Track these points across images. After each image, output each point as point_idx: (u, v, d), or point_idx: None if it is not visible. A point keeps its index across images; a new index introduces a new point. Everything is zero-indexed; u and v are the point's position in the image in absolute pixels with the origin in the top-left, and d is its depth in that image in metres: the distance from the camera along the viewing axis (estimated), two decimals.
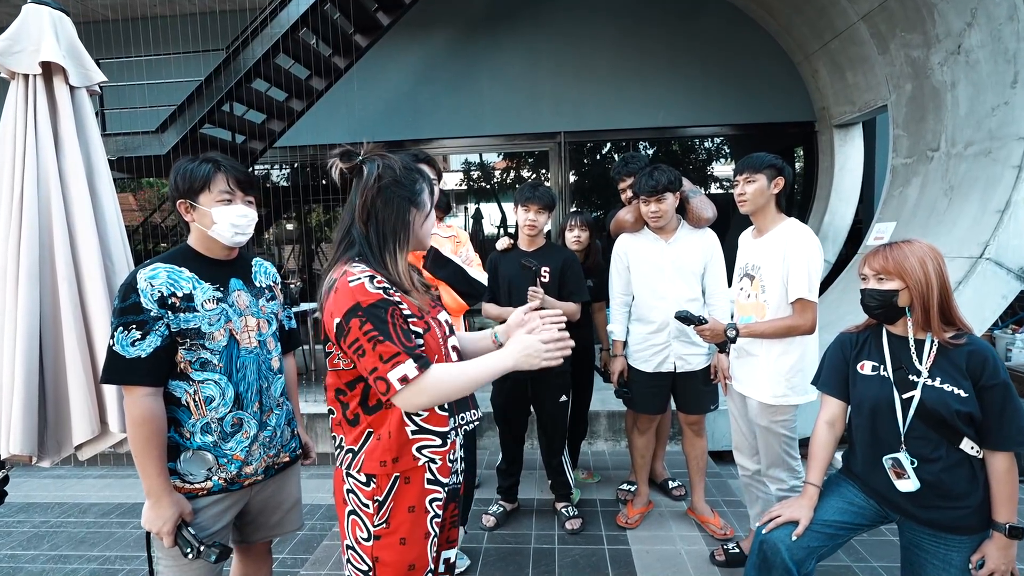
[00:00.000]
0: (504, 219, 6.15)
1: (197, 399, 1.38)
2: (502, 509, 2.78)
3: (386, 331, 1.11)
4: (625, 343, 2.63)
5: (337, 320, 1.13)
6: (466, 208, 6.22)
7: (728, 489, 3.09)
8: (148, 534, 1.36)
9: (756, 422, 2.16)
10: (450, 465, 1.30)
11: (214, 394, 1.39)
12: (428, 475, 1.25)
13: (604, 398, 3.70)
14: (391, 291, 1.17)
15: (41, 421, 1.65)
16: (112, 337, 1.30)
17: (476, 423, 1.39)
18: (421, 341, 1.20)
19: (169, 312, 1.33)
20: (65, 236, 1.66)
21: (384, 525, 1.21)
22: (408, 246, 1.27)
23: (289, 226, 6.51)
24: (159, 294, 1.32)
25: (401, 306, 1.18)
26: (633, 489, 2.88)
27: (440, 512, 1.28)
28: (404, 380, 1.10)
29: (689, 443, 2.66)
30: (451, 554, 1.46)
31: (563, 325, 1.25)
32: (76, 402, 1.66)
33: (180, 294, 1.35)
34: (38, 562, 2.66)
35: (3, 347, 1.60)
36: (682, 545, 2.51)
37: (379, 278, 1.16)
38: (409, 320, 1.19)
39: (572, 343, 1.20)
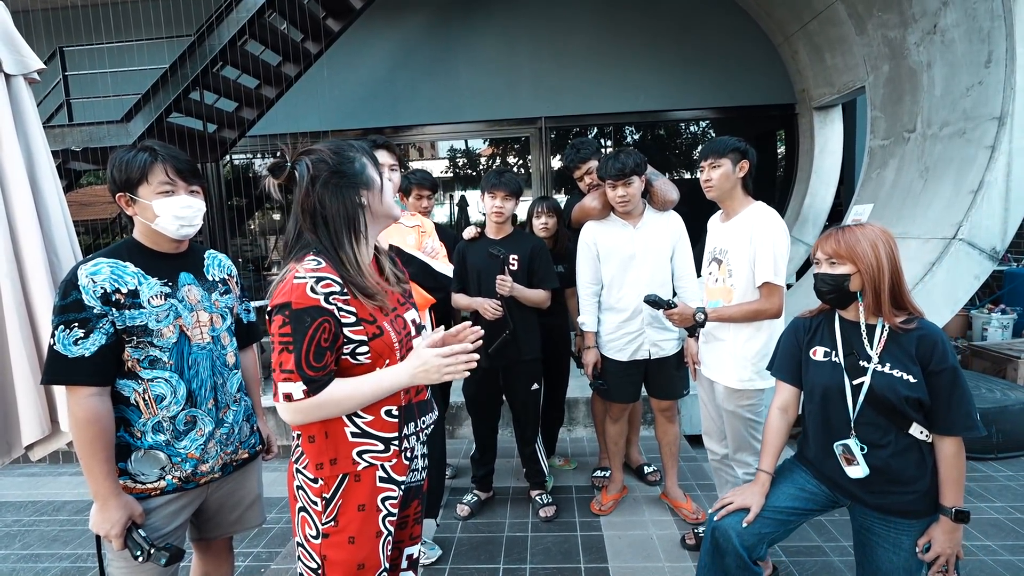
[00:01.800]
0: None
1: (147, 398, 1.34)
2: (476, 498, 2.77)
3: (299, 343, 1.08)
4: (597, 333, 2.61)
5: (268, 309, 1.12)
6: (451, 196, 6.17)
7: (703, 473, 3.10)
8: (98, 536, 1.34)
9: (723, 407, 2.16)
10: (407, 463, 1.27)
11: (165, 392, 1.35)
12: (381, 473, 1.21)
13: (582, 385, 3.69)
14: (336, 296, 1.12)
15: None
16: (53, 336, 1.25)
17: (433, 425, 1.37)
18: (357, 354, 1.17)
19: (114, 309, 1.28)
20: (5, 232, 1.60)
21: (332, 523, 1.18)
22: (367, 230, 1.21)
23: (276, 216, 6.42)
24: (102, 290, 1.27)
25: (341, 312, 1.12)
26: (607, 475, 2.88)
27: (395, 511, 1.25)
28: (288, 398, 1.09)
29: (662, 429, 2.66)
30: (414, 550, 1.45)
31: (478, 337, 1.22)
32: (24, 402, 1.62)
33: (125, 290, 1.30)
34: (9, 561, 2.63)
35: None
36: (654, 530, 2.52)
37: (327, 281, 1.11)
38: (350, 328, 1.14)
39: (476, 357, 1.18)
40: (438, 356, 1.15)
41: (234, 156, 5.97)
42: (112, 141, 4.05)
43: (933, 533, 1.44)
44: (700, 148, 5.78)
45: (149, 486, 1.36)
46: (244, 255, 6.25)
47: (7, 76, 1.64)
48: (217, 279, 1.53)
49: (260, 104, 4.50)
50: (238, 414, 1.52)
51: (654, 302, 2.10)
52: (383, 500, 1.22)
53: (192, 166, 1.43)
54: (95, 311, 1.26)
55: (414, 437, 1.28)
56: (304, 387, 1.08)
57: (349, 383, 1.14)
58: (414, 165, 5.92)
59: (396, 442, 1.23)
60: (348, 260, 1.16)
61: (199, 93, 4.17)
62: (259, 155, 6.07)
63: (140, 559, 1.29)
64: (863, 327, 1.52)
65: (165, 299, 1.36)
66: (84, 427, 1.25)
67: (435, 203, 2.88)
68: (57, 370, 1.26)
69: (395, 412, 1.22)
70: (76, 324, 1.25)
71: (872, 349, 1.49)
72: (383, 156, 2.08)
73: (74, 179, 4.84)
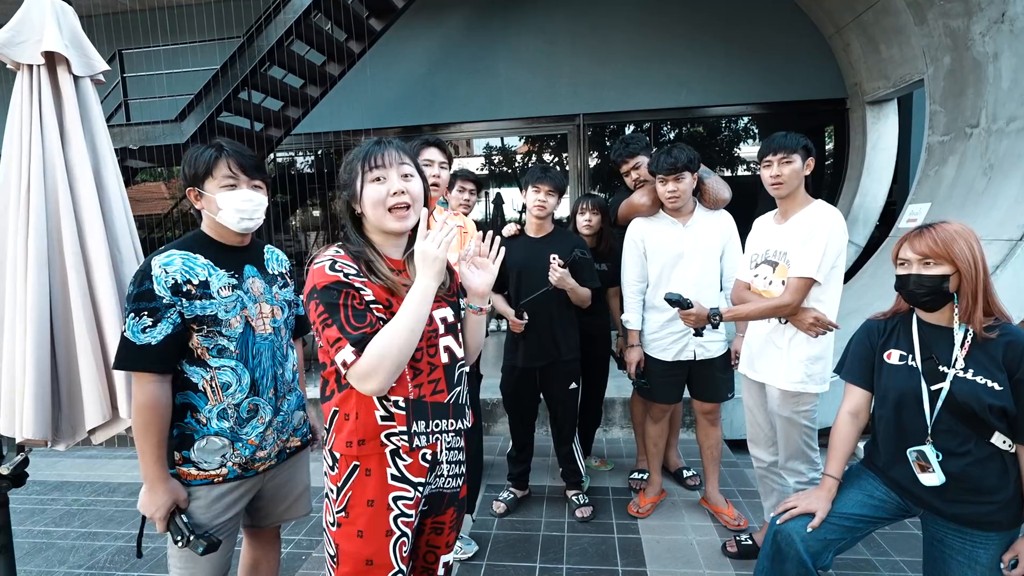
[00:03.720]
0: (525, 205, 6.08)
1: (214, 385, 1.39)
2: (512, 496, 2.77)
3: (335, 315, 1.12)
4: (640, 332, 2.56)
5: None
6: (487, 193, 6.18)
7: (744, 479, 3.02)
8: (143, 517, 1.39)
9: (778, 412, 2.09)
10: (425, 465, 1.25)
11: (231, 380, 1.41)
12: (393, 471, 1.20)
13: (620, 385, 3.65)
14: (353, 277, 1.15)
15: (55, 406, 1.69)
16: (124, 323, 1.31)
17: (453, 432, 1.30)
18: (377, 318, 1.16)
19: (183, 299, 1.33)
20: (72, 225, 1.67)
21: (343, 514, 1.20)
22: (367, 235, 1.26)
23: (316, 212, 6.57)
24: (173, 281, 1.33)
25: (363, 291, 1.15)
26: (644, 477, 2.84)
27: (410, 512, 1.23)
28: (345, 366, 1.11)
29: (703, 432, 2.60)
30: (449, 558, 1.43)
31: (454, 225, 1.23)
32: (87, 388, 1.69)
33: (196, 281, 1.35)
34: (69, 538, 2.77)
35: (15, 334, 1.62)
36: (693, 535, 2.47)
37: (342, 263, 1.16)
38: (373, 306, 1.17)
39: (460, 221, 1.20)
40: (424, 240, 1.15)
41: (278, 153, 6.13)
42: (166, 140, 4.21)
43: (1020, 548, 1.36)
44: (742, 144, 5.66)
45: (212, 473, 1.41)
46: (287, 250, 6.41)
47: (75, 78, 1.71)
48: (276, 272, 1.59)
49: (305, 103, 4.60)
50: (292, 403, 1.58)
51: (677, 301, 2.05)
52: (395, 499, 1.21)
53: (256, 161, 1.48)
54: (164, 301, 1.31)
55: (424, 437, 1.23)
56: (352, 348, 1.10)
57: (387, 326, 1.14)
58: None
59: (406, 437, 1.21)
60: (358, 252, 1.21)
61: (247, 93, 4.29)
62: (303, 153, 6.21)
63: (179, 544, 1.34)
64: (945, 331, 1.45)
65: (232, 290, 1.41)
66: (141, 411, 1.31)
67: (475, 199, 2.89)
68: (125, 357, 1.32)
69: (402, 404, 1.20)
70: (146, 313, 1.30)
71: (954, 354, 1.42)
72: (433, 153, 2.09)
73: (131, 176, 5.07)
